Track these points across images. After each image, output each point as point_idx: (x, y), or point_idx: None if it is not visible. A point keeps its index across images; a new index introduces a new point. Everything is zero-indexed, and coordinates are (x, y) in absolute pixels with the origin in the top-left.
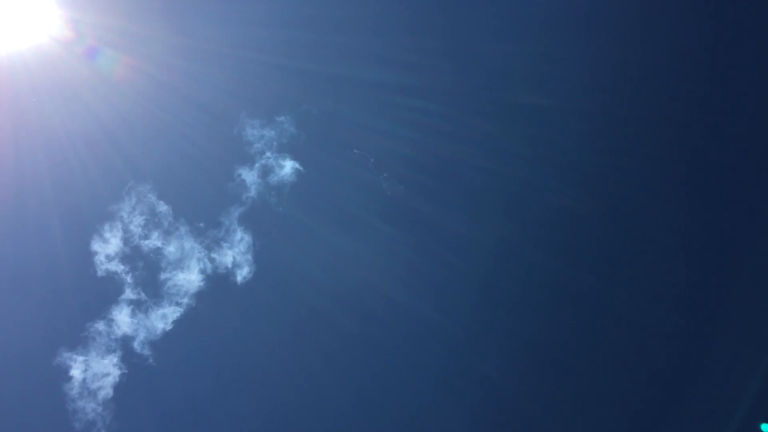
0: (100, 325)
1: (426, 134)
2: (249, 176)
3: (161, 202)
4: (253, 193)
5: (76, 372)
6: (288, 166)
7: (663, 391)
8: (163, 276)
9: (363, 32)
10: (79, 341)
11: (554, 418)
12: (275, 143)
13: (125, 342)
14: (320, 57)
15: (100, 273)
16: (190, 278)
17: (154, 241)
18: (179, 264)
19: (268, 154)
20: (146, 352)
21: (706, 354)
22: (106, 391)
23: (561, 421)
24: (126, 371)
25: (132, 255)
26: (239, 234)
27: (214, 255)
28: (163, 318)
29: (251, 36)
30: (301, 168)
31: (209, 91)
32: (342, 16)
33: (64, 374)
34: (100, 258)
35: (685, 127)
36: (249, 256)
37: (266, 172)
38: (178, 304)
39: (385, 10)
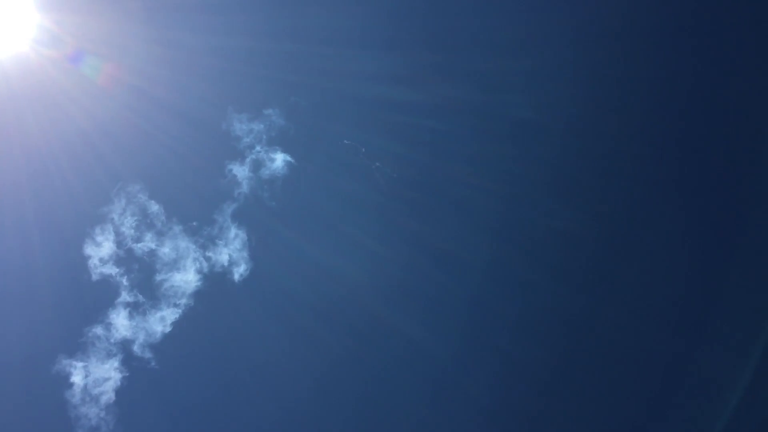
0: (99, 330)
1: (416, 150)
2: (240, 171)
3: (152, 201)
4: (245, 188)
5: (77, 378)
6: (279, 160)
7: (655, 412)
8: (159, 277)
9: (350, 45)
10: (78, 347)
11: None
12: (264, 137)
13: (125, 345)
14: (305, 69)
15: (95, 277)
16: (186, 278)
17: (148, 242)
18: (175, 264)
19: (258, 148)
20: (147, 354)
21: (698, 374)
22: (108, 395)
23: None
24: (127, 375)
25: (126, 257)
26: (233, 231)
27: (209, 254)
28: (162, 320)
29: (234, 46)
30: (292, 160)
31: (195, 89)
32: (329, 28)
33: (64, 381)
34: (93, 262)
35: (680, 146)
36: (245, 253)
37: (257, 166)
38: (176, 305)
39: (375, 24)
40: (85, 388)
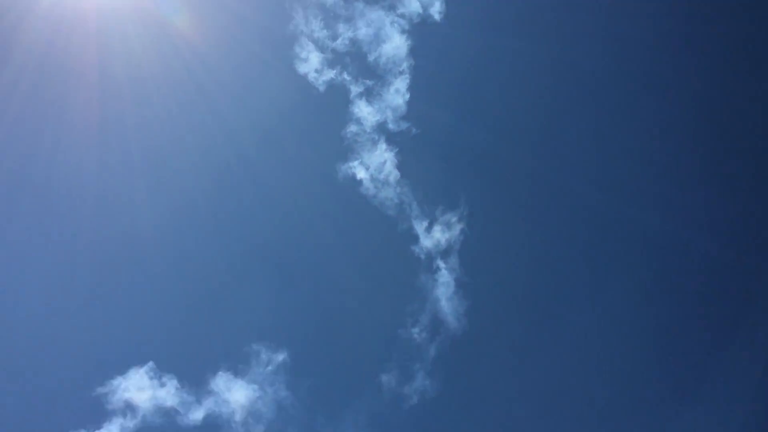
0: (353, 127)
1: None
2: None
3: None
4: None
5: (361, 174)
6: None
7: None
8: (372, 57)
9: None
10: (346, 149)
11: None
12: None
13: (381, 128)
14: None
15: (321, 87)
16: (395, 44)
17: (344, 34)
18: (378, 38)
19: None
20: (403, 126)
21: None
22: (394, 173)
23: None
24: (398, 149)
25: (334, 57)
26: None
27: (401, 11)
28: (398, 91)
29: None
30: None
31: None
32: None
33: (353, 181)
34: (312, 75)
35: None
36: None
37: None
38: (401, 72)
39: None
40: (372, 178)
